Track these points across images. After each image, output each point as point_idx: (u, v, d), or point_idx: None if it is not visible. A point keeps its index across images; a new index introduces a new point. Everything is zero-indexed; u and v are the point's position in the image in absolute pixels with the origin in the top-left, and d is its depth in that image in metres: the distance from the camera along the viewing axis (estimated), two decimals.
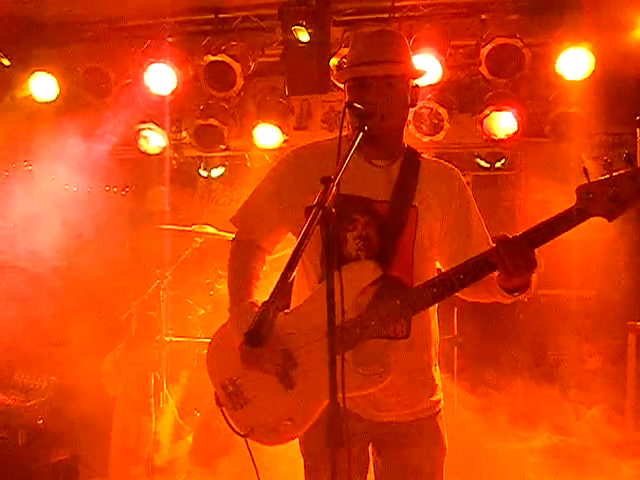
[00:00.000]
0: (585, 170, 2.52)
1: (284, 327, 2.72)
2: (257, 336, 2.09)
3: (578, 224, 2.55)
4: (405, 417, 2.88)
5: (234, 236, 3.12)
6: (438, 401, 2.97)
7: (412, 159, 2.94)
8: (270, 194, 2.98)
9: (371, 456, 3.00)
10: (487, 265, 2.61)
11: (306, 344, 2.74)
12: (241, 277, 2.97)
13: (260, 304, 2.18)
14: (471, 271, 2.63)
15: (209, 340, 3.05)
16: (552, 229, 2.54)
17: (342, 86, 3.03)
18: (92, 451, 5.95)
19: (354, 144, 2.51)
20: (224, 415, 2.90)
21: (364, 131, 2.57)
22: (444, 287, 2.67)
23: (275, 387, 2.77)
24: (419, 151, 2.99)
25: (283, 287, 2.13)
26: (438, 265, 2.99)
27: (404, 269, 2.83)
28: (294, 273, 2.17)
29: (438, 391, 2.98)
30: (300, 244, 2.17)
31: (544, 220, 2.56)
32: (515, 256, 2.53)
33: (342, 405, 2.27)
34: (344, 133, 2.62)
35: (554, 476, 5.16)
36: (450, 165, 3.03)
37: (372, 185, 2.84)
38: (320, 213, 2.22)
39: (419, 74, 2.94)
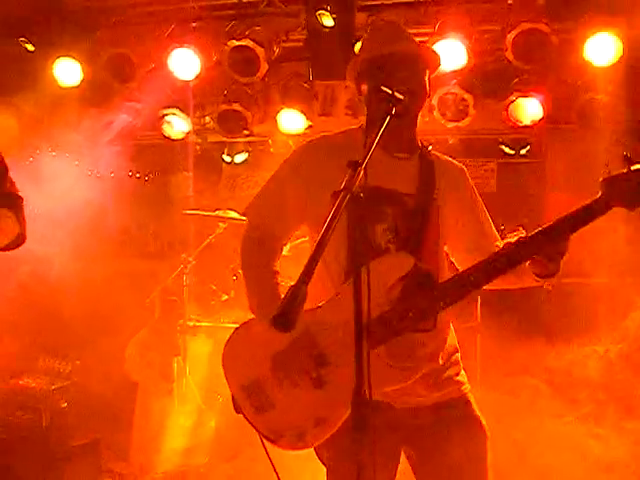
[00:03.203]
0: (627, 157, 2.54)
1: (317, 323, 2.68)
2: (286, 319, 2.02)
3: (602, 215, 2.58)
4: (436, 399, 2.85)
5: (246, 228, 3.06)
6: (464, 382, 2.96)
7: (426, 154, 2.96)
8: (286, 186, 2.96)
9: (403, 452, 2.93)
10: (521, 254, 2.62)
11: (336, 340, 2.67)
12: (264, 275, 2.90)
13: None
14: (506, 261, 2.64)
15: (233, 332, 2.90)
16: (579, 220, 2.57)
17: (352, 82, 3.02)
18: (114, 435, 5.97)
19: (382, 128, 2.47)
20: (248, 420, 2.78)
21: (392, 115, 2.54)
22: (479, 278, 2.66)
23: (304, 387, 2.69)
24: (427, 146, 3.01)
25: (311, 270, 2.07)
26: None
27: (431, 262, 2.83)
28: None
29: (463, 372, 2.98)
30: (329, 227, 2.11)
31: (570, 212, 2.59)
32: (554, 245, 2.59)
33: (368, 395, 2.21)
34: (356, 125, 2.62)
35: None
36: (458, 163, 3.07)
37: (398, 177, 2.83)
38: (347, 197, 2.17)
39: (435, 58, 2.95)
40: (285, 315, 2.02)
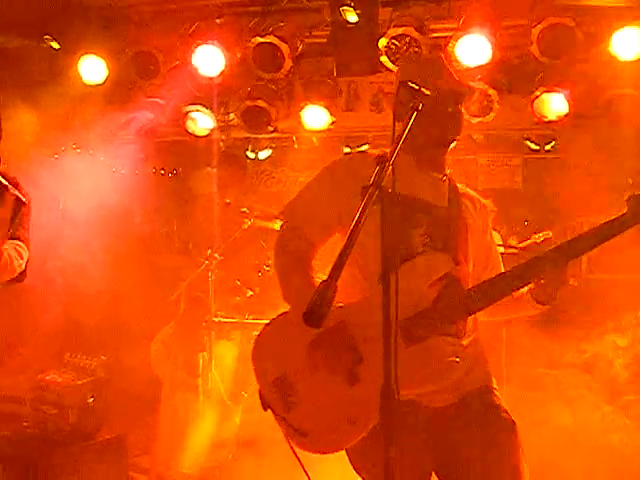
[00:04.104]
0: None
1: (352, 320, 2.68)
2: (316, 315, 2.03)
3: (627, 230, 2.63)
4: (461, 394, 2.85)
5: (281, 229, 3.08)
6: (490, 373, 2.98)
7: (452, 181, 3.02)
8: (322, 193, 2.97)
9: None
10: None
11: (373, 337, 2.61)
12: (300, 272, 2.88)
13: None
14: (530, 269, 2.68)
15: (256, 334, 2.91)
16: (603, 234, 2.64)
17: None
18: (140, 430, 6.02)
19: (409, 123, 2.48)
20: (276, 418, 2.77)
21: (419, 110, 2.54)
22: (505, 287, 2.70)
23: (337, 383, 2.67)
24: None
25: (340, 267, 2.09)
26: None
27: (464, 272, 2.86)
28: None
29: (488, 367, 3.00)
30: (358, 222, 2.12)
31: (596, 226, 2.65)
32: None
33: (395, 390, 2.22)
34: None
35: None
36: (485, 200, 3.14)
37: (431, 191, 2.88)
38: (376, 192, 2.19)
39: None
40: (315, 311, 2.04)
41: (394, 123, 2.67)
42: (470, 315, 2.77)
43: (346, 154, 3.11)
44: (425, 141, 2.66)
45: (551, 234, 2.74)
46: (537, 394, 5.47)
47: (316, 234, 2.97)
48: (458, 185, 3.05)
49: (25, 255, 3.49)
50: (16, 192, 3.30)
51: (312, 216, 2.96)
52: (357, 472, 2.86)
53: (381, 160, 2.29)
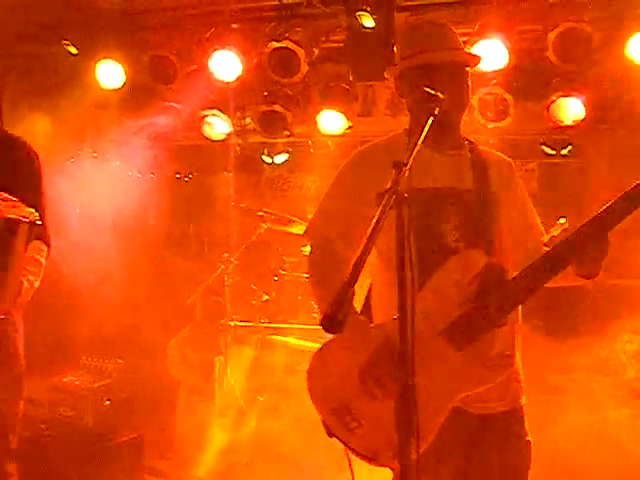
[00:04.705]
0: None
1: (395, 334, 2.66)
2: (334, 321, 2.00)
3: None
4: (502, 407, 2.85)
5: (310, 250, 3.06)
6: (523, 388, 2.97)
7: (475, 149, 2.98)
8: (340, 201, 2.97)
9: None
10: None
11: (421, 349, 2.54)
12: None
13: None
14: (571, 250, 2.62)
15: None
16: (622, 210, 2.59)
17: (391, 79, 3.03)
18: (157, 433, 6.03)
19: (425, 128, 2.47)
20: (342, 443, 2.73)
21: (435, 115, 2.54)
22: (551, 269, 2.63)
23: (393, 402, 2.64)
24: (473, 141, 3.03)
25: (358, 271, 2.07)
26: None
27: (500, 255, 2.84)
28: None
29: (522, 382, 2.97)
30: (374, 229, 2.11)
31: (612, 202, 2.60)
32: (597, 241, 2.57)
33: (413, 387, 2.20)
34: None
35: None
36: (506, 157, 3.08)
37: (453, 174, 2.85)
38: (393, 197, 2.18)
39: (477, 61, 2.99)
40: (333, 316, 2.00)
41: (410, 127, 2.69)
42: (517, 305, 2.73)
43: (355, 153, 3.05)
44: (435, 120, 2.48)
45: (565, 221, 2.69)
46: (554, 398, 5.46)
47: (345, 247, 2.92)
48: (480, 148, 3.01)
49: (43, 257, 3.47)
50: (23, 213, 3.19)
51: (336, 230, 2.95)
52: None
53: (397, 164, 2.28)
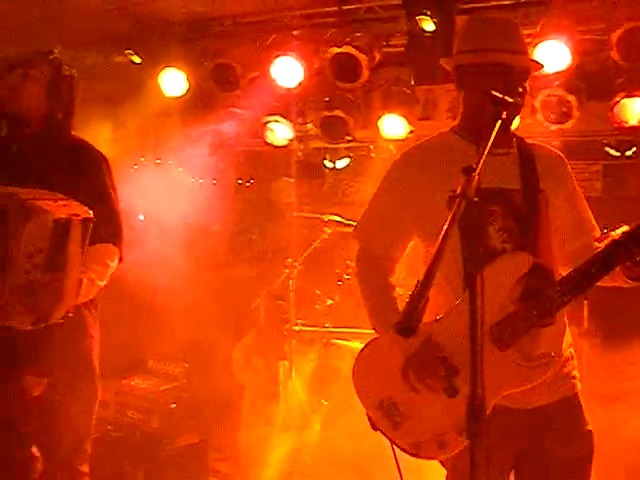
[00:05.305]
0: None
1: (440, 334, 2.70)
2: (408, 325, 2.04)
3: None
4: (551, 398, 2.84)
5: (358, 251, 3.10)
6: (577, 377, 2.95)
7: (524, 145, 2.96)
8: (389, 202, 2.99)
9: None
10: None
11: (465, 348, 2.64)
12: (381, 296, 2.95)
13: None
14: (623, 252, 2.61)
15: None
16: None
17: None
18: (222, 436, 6.10)
19: (493, 132, 2.46)
20: (386, 437, 2.82)
21: (502, 119, 2.53)
22: (599, 270, 2.63)
23: (437, 398, 2.70)
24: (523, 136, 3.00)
25: (431, 277, 2.09)
26: None
27: (546, 256, 2.83)
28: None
29: (576, 370, 2.96)
30: (446, 234, 2.12)
31: None
32: None
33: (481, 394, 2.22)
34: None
35: None
36: (557, 150, 3.04)
37: (501, 175, 2.82)
38: (464, 203, 2.17)
39: (539, 68, 2.99)
40: (407, 321, 2.05)
41: (464, 126, 2.67)
42: (561, 307, 2.72)
43: (402, 153, 3.07)
44: (488, 122, 2.42)
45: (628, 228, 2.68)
46: (619, 406, 5.37)
47: (392, 248, 3.00)
48: (530, 143, 2.98)
49: (112, 259, 3.51)
50: (74, 212, 3.19)
51: (383, 231, 2.98)
52: (442, 464, 2.92)
53: (466, 169, 2.28)
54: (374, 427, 2.85)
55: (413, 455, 2.76)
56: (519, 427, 2.83)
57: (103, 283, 3.45)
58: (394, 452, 2.80)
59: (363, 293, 3.03)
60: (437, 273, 2.71)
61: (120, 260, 3.53)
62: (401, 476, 2.84)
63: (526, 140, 2.99)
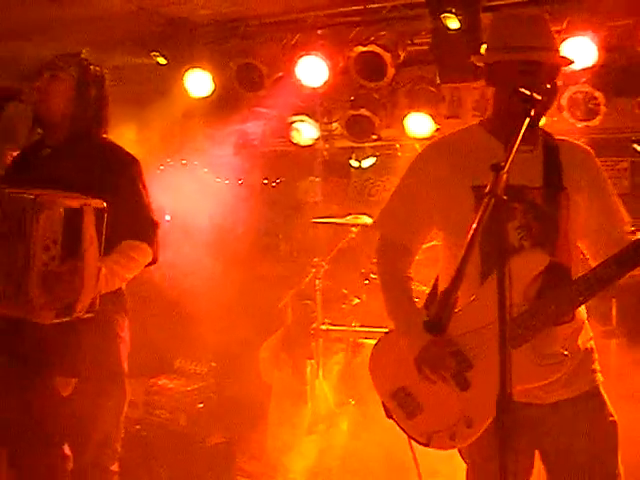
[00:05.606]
0: None
1: (454, 328, 2.68)
2: (438, 324, 2.05)
3: None
4: (573, 392, 2.84)
5: (377, 242, 3.12)
6: (598, 371, 2.95)
7: (550, 141, 2.94)
8: (411, 194, 3.00)
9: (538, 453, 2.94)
10: None
11: (479, 343, 2.73)
12: (399, 287, 3.00)
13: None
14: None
15: (369, 341, 3.12)
16: None
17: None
18: (249, 436, 6.11)
19: (521, 130, 2.46)
20: (399, 426, 2.91)
21: (530, 117, 2.52)
22: (616, 270, 2.63)
23: (450, 390, 2.76)
24: (550, 132, 2.99)
25: (461, 275, 2.09)
26: None
27: (565, 254, 2.82)
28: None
29: (597, 363, 2.96)
30: (476, 231, 2.12)
31: None
32: None
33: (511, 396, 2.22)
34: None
35: None
36: (584, 145, 3.03)
37: (523, 172, 2.78)
38: (492, 201, 2.17)
39: (569, 64, 2.96)
40: (438, 319, 2.05)
41: (493, 121, 2.66)
42: (577, 306, 2.75)
43: (427, 145, 3.11)
44: (516, 119, 2.40)
45: None
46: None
47: (411, 239, 3.03)
48: (557, 139, 2.97)
49: (139, 254, 3.47)
50: (85, 202, 3.21)
51: (405, 219, 3.00)
52: (462, 458, 2.97)
53: (495, 166, 2.27)
54: (388, 415, 2.93)
55: (424, 445, 2.84)
56: (540, 421, 2.83)
57: (128, 275, 3.45)
58: (412, 451, 2.91)
59: (381, 284, 3.08)
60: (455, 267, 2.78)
61: (154, 261, 3.53)
62: (419, 474, 2.98)
63: (554, 136, 2.98)
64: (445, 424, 2.77)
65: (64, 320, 3.15)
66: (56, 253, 3.10)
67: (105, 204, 3.23)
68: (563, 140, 3.00)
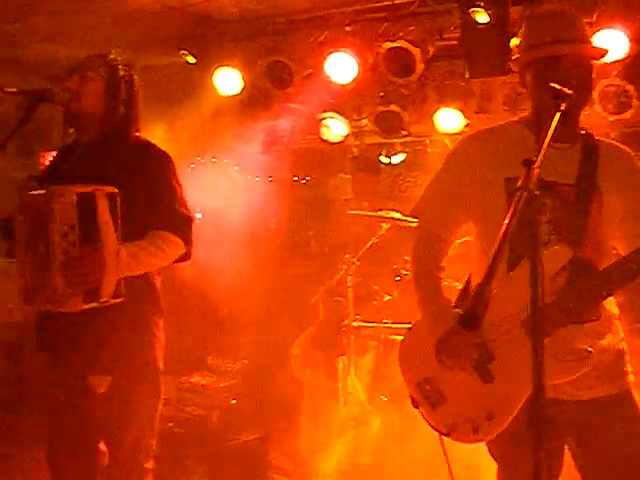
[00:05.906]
0: None
1: None
2: (473, 318, 2.06)
3: None
4: (605, 391, 2.81)
5: (418, 229, 3.15)
6: (629, 373, 2.91)
7: (589, 141, 2.91)
8: (448, 183, 3.00)
9: (568, 450, 2.90)
10: None
11: (502, 335, 2.71)
12: (429, 275, 3.01)
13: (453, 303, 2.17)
14: None
15: (400, 337, 3.13)
16: None
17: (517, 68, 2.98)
18: (281, 433, 6.11)
19: (552, 125, 2.44)
20: (423, 416, 2.93)
21: (562, 111, 2.50)
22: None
23: (474, 382, 2.75)
24: (591, 132, 2.96)
25: (494, 269, 2.08)
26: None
27: (592, 252, 2.79)
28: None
29: (629, 365, 2.92)
30: (508, 226, 2.12)
31: None
32: None
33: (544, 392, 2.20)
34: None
35: None
36: (625, 146, 2.99)
37: (557, 168, 2.77)
38: (524, 196, 2.16)
39: (603, 55, 2.93)
40: (472, 314, 2.07)
41: (532, 120, 2.64)
42: (601, 300, 2.72)
43: (465, 136, 3.13)
44: (550, 115, 2.42)
45: None
46: None
47: (446, 230, 3.03)
48: (597, 139, 2.93)
49: (169, 246, 3.45)
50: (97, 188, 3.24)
51: (443, 207, 3.01)
52: (493, 457, 2.96)
53: (527, 162, 2.26)
54: (415, 405, 2.95)
55: (447, 436, 2.84)
56: (568, 418, 2.79)
57: (155, 263, 3.44)
58: (443, 447, 2.91)
59: (414, 270, 3.10)
60: (484, 258, 2.74)
61: (188, 256, 3.54)
62: (451, 473, 2.96)
63: (595, 137, 2.95)
64: (467, 416, 2.77)
65: (92, 305, 3.18)
66: (75, 239, 3.14)
67: (117, 190, 3.26)
68: (604, 141, 2.97)
